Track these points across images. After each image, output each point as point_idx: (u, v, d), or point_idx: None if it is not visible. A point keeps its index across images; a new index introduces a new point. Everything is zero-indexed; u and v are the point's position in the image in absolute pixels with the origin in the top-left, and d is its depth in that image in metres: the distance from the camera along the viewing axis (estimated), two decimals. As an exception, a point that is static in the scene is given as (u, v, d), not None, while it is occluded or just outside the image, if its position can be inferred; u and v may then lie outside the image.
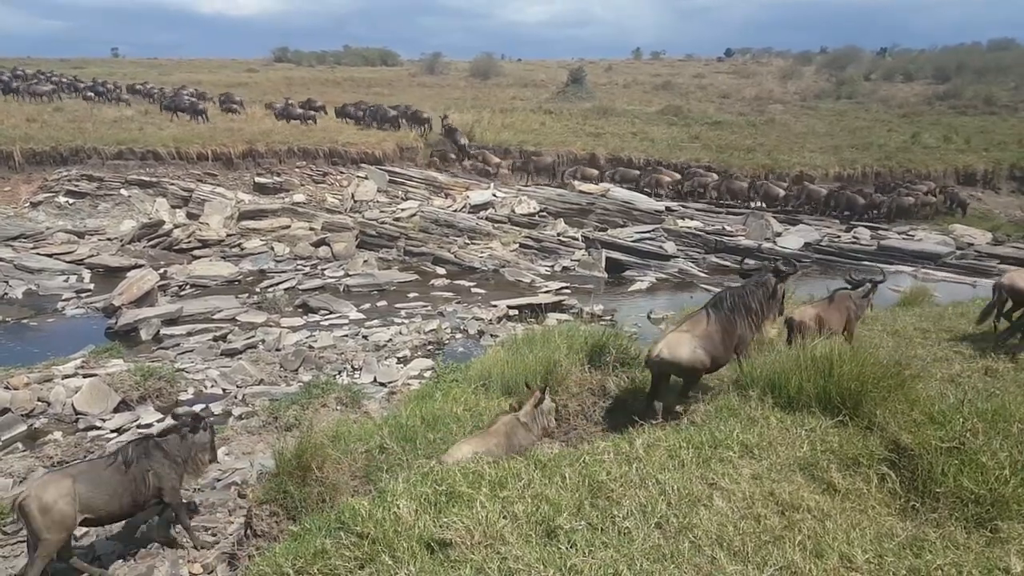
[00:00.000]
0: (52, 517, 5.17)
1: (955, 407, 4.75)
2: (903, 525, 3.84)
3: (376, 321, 14.44)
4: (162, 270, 17.21)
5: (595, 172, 25.87)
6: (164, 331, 13.35)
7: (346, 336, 13.40)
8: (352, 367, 11.69)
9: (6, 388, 9.68)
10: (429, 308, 15.54)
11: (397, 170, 25.74)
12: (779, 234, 22.29)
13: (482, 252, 20.00)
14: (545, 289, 17.20)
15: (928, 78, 49.91)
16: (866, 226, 23.14)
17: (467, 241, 20.68)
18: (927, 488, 4.06)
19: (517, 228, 21.56)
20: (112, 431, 9.13)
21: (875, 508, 4.01)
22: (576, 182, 24.94)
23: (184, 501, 6.20)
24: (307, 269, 18.84)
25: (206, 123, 27.18)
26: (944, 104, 39.89)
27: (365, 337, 13.31)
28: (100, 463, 5.78)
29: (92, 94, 32.28)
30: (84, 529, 6.06)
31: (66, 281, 16.77)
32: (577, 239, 20.89)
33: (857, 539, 3.64)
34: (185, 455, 6.02)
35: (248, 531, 5.81)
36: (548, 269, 19.38)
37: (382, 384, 10.92)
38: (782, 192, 25.10)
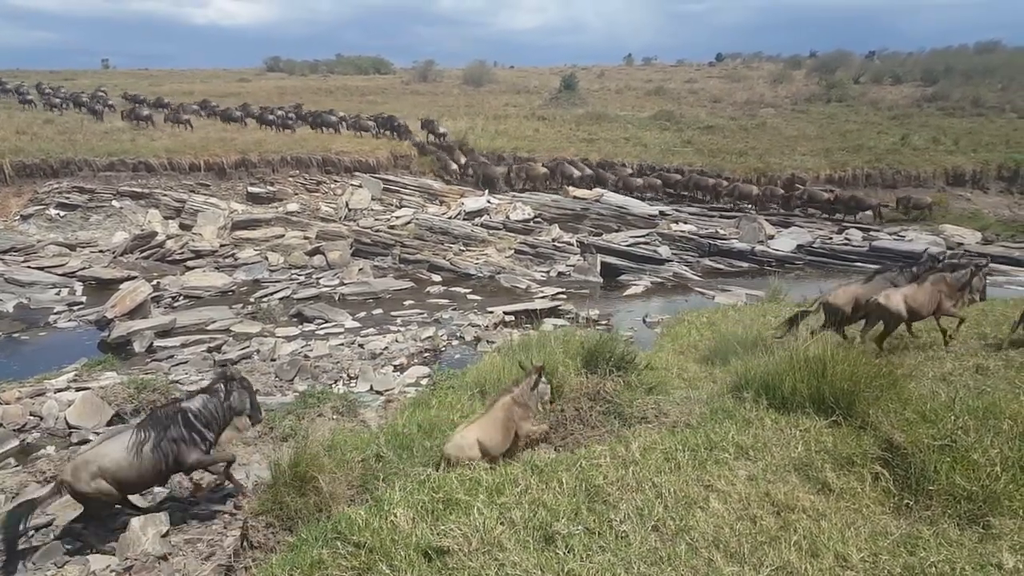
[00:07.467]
0: None
1: (947, 405, 4.79)
2: (897, 523, 3.87)
3: (372, 329, 14.41)
4: (155, 281, 17.15)
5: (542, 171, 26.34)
6: (158, 343, 13.28)
7: (342, 345, 13.36)
8: (348, 376, 11.65)
9: (-2, 402, 9.61)
10: (425, 315, 15.53)
11: (391, 178, 25.75)
12: (772, 236, 22.42)
13: (477, 259, 20.02)
14: (541, 295, 17.21)
15: (916, 80, 50.23)
16: (858, 227, 23.36)
17: (462, 248, 20.70)
18: (920, 486, 4.10)
19: (512, 234, 21.61)
20: (106, 444, 9.05)
21: (869, 507, 4.03)
22: (570, 188, 25.06)
23: None
24: (302, 278, 18.79)
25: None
26: (932, 106, 40.14)
27: (361, 345, 13.27)
28: None
29: None
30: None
31: (58, 294, 16.68)
32: (572, 244, 20.93)
33: (852, 538, 3.66)
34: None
35: (244, 543, 5.77)
36: (544, 275, 19.41)
37: (378, 392, 10.88)
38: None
